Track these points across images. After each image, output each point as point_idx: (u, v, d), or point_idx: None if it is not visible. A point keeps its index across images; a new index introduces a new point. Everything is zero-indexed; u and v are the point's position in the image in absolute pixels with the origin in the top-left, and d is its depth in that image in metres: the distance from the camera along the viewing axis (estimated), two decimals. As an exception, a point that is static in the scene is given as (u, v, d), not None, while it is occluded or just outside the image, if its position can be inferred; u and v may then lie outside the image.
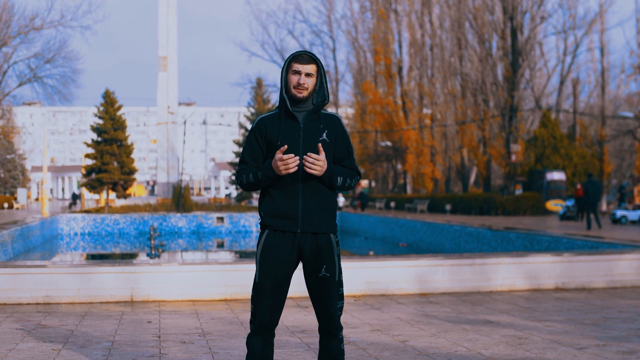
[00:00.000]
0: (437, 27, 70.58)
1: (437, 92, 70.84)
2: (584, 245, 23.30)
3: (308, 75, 6.06)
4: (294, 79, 6.06)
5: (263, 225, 6.19)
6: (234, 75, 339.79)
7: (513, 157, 57.35)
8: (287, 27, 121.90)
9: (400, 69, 74.01)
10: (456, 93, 66.27)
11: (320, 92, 6.18)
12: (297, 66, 6.06)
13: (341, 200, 66.20)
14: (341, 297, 6.23)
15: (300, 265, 6.25)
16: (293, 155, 5.88)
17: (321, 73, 6.15)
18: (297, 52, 6.14)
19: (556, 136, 57.93)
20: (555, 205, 52.20)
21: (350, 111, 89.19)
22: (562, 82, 68.43)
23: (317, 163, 5.88)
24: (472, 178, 76.56)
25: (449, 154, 70.39)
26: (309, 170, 5.89)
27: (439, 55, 69.20)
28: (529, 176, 55.55)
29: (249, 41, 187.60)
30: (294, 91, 6.06)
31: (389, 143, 71.45)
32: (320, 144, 5.96)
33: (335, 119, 6.22)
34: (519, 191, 54.95)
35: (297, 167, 5.91)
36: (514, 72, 58.76)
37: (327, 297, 6.16)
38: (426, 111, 73.39)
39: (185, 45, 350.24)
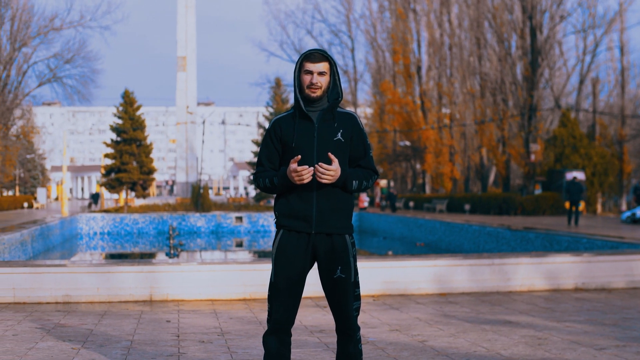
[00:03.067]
0: (456, 27, 70.38)
1: (456, 92, 70.64)
2: (604, 245, 23.20)
3: (321, 74, 6.04)
4: (306, 78, 6.05)
5: (278, 225, 6.20)
6: (252, 75, 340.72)
7: (532, 157, 57.16)
8: (306, 26, 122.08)
9: (419, 69, 73.87)
10: (475, 92, 66.08)
11: (334, 90, 6.16)
12: (309, 65, 6.03)
13: (366, 200, 65.96)
14: (357, 297, 6.23)
15: (316, 265, 6.25)
16: (307, 167, 5.86)
17: (334, 70, 6.12)
18: (308, 50, 6.10)
19: (576, 136, 57.68)
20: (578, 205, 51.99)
21: (369, 111, 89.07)
22: (581, 82, 68.16)
23: (328, 173, 5.87)
24: (491, 178, 76.34)
25: (468, 154, 70.19)
26: (320, 180, 5.89)
27: (458, 55, 69.02)
28: (549, 176, 55.31)
29: (267, 41, 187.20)
30: (307, 91, 6.05)
31: (407, 143, 71.37)
32: (330, 153, 5.94)
33: (350, 117, 6.19)
34: (538, 191, 54.75)
35: (311, 178, 5.91)
36: (533, 72, 58.57)
37: (343, 298, 6.15)
38: (445, 111, 73.22)
39: (204, 45, 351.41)
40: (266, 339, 6.18)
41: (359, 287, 6.23)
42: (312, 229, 6.06)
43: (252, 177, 6.27)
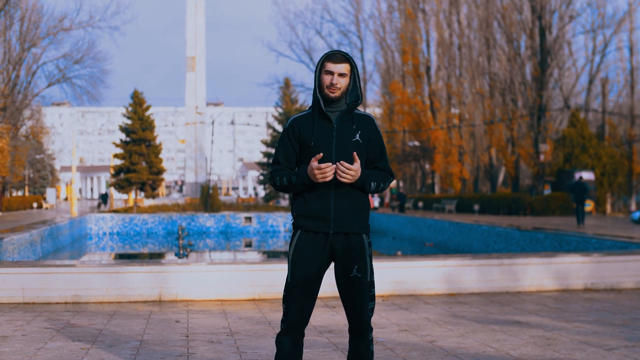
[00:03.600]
0: (465, 27, 70.37)
1: (465, 92, 70.62)
2: (613, 245, 23.17)
3: (341, 75, 6.04)
4: (326, 79, 6.05)
5: (296, 226, 6.20)
6: (261, 75, 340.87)
7: (542, 157, 57.08)
8: (315, 27, 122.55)
9: (428, 69, 73.84)
10: (484, 93, 66.04)
11: (354, 92, 6.16)
12: (330, 66, 6.04)
13: (376, 201, 65.95)
14: (372, 297, 6.24)
15: (331, 265, 6.25)
16: (330, 164, 5.89)
17: (354, 73, 6.12)
18: (330, 51, 6.11)
19: (585, 136, 57.61)
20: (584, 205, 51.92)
21: (378, 111, 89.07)
22: (591, 82, 68.11)
23: (349, 173, 5.89)
24: (501, 178, 76.29)
25: (477, 154, 70.17)
26: (340, 178, 5.91)
27: (467, 55, 68.99)
28: (558, 176, 55.24)
29: (276, 41, 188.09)
30: (326, 91, 6.05)
31: (417, 143, 71.34)
32: (355, 153, 5.96)
33: (368, 119, 6.21)
34: (547, 191, 54.68)
35: (333, 175, 5.92)
36: (543, 72, 58.50)
37: (358, 297, 6.15)
38: (454, 111, 73.17)
39: (213, 46, 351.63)
40: (280, 339, 6.18)
41: (374, 287, 6.24)
42: (330, 229, 6.07)
43: (267, 176, 6.26)
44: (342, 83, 6.05)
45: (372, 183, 6.09)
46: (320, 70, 6.10)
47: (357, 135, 6.09)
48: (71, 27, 72.02)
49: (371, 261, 6.20)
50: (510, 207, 52.57)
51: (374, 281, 6.23)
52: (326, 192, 6.03)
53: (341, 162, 5.90)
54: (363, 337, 6.24)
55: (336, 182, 6.01)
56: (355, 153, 5.95)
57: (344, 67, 6.05)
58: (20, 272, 13.51)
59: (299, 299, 6.13)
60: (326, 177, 5.89)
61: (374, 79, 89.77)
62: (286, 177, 6.10)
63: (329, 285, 6.30)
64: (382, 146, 6.25)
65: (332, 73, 6.03)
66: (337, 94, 6.05)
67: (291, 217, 6.31)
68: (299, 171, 6.07)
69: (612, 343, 9.70)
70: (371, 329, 6.26)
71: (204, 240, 48.54)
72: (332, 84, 6.02)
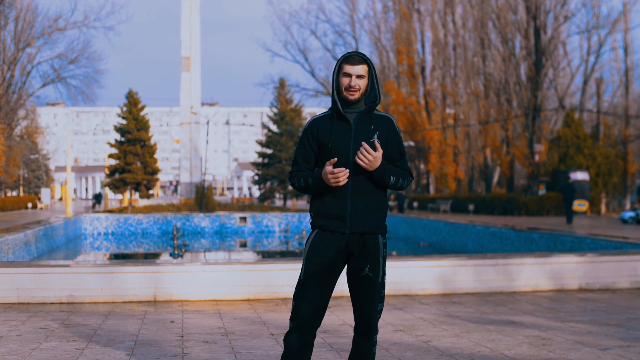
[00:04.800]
0: (460, 27, 70.40)
1: (460, 92, 70.66)
2: (608, 245, 23.19)
3: (359, 77, 6.05)
4: (345, 81, 6.06)
5: (313, 225, 6.23)
6: (256, 75, 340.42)
7: (536, 157, 57.14)
8: (310, 27, 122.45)
9: (423, 69, 73.86)
10: (479, 93, 66.07)
11: (372, 93, 6.17)
12: (347, 68, 6.05)
13: None
14: (382, 299, 6.25)
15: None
16: (344, 168, 5.90)
17: (372, 74, 6.13)
18: (348, 53, 6.14)
19: (580, 136, 57.68)
20: (578, 205, 51.97)
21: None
22: (585, 82, 68.13)
23: (368, 157, 5.88)
24: (495, 178, 76.34)
25: (472, 154, 70.19)
26: (358, 160, 5.90)
27: (462, 55, 69.03)
28: (553, 176, 55.29)
29: (271, 41, 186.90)
30: (345, 93, 6.07)
31: (411, 143, 71.35)
32: (377, 141, 5.98)
33: (387, 120, 6.22)
34: (542, 191, 54.74)
35: (347, 180, 5.94)
36: (537, 72, 58.54)
37: (367, 297, 6.16)
38: (449, 111, 73.21)
39: (208, 46, 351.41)
40: (288, 336, 6.17)
41: (384, 289, 6.25)
42: (347, 228, 6.08)
43: (287, 176, 6.29)
44: (361, 85, 6.07)
45: (392, 177, 6.10)
46: (338, 72, 6.11)
47: (375, 136, 6.10)
48: (66, 27, 71.94)
49: (384, 263, 6.20)
50: (505, 207, 52.61)
51: (385, 283, 6.24)
52: (343, 192, 6.05)
53: (363, 143, 5.90)
54: (368, 337, 6.25)
55: (353, 182, 6.03)
56: (376, 141, 5.97)
57: (361, 69, 6.06)
58: (14, 272, 13.50)
59: (310, 295, 6.11)
60: (339, 182, 5.91)
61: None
62: (303, 178, 6.16)
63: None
64: (402, 147, 6.25)
65: (350, 75, 6.05)
66: (357, 95, 6.07)
67: (309, 217, 6.29)
68: (315, 173, 6.10)
69: (606, 343, 9.71)
70: (376, 331, 6.27)
71: (199, 241, 48.49)
72: (350, 86, 6.04)
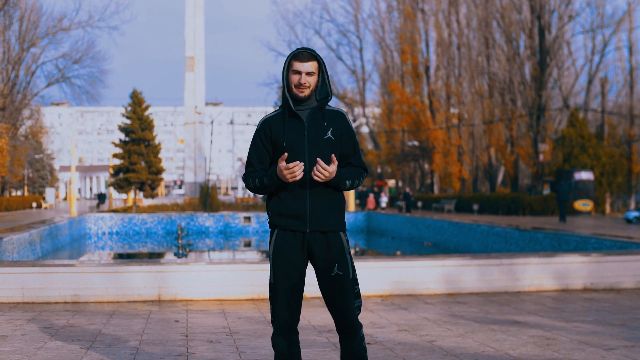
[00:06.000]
0: (464, 27, 70.36)
1: (464, 92, 70.61)
2: (613, 245, 23.16)
3: (309, 74, 6.01)
4: (294, 78, 6.02)
5: (272, 225, 6.20)
6: (260, 75, 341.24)
7: (541, 157, 57.09)
8: (314, 26, 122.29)
9: (427, 69, 73.87)
10: (483, 92, 66.03)
11: (323, 89, 6.15)
12: (297, 65, 6.01)
13: (384, 200, 65.61)
14: (358, 295, 6.20)
15: (312, 266, 6.24)
16: (298, 162, 5.85)
17: (322, 69, 6.10)
18: (297, 49, 6.09)
19: (584, 135, 57.63)
20: (583, 205, 51.94)
21: (377, 111, 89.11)
22: (590, 81, 68.07)
23: (324, 172, 5.85)
24: (500, 178, 76.26)
25: (477, 154, 70.16)
26: (315, 177, 5.86)
27: (466, 55, 69.00)
28: (557, 176, 55.24)
29: (275, 41, 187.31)
30: (295, 91, 6.03)
31: (416, 143, 71.35)
32: (333, 155, 5.91)
33: (339, 115, 6.18)
34: (546, 191, 54.70)
35: (302, 173, 5.89)
36: (542, 72, 58.52)
37: (342, 296, 6.11)
38: (453, 111, 73.18)
39: (212, 45, 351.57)
40: (275, 340, 6.18)
41: (358, 284, 6.21)
42: (307, 227, 6.06)
43: (242, 178, 6.29)
44: (311, 82, 6.03)
45: (347, 181, 6.07)
46: (287, 69, 6.07)
47: (329, 132, 6.08)
48: (70, 26, 72.08)
49: (352, 258, 6.17)
50: (509, 206, 52.57)
51: (357, 278, 6.20)
52: (301, 191, 6.02)
53: (318, 160, 5.86)
54: (353, 335, 6.20)
55: (311, 182, 6.00)
56: (332, 155, 5.91)
57: (311, 66, 6.02)
58: (19, 272, 13.52)
59: (284, 297, 6.11)
60: (295, 176, 5.85)
61: (373, 79, 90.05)
62: (258, 178, 6.10)
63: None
64: (355, 141, 6.22)
65: (299, 72, 6.01)
66: (306, 92, 6.04)
67: (267, 217, 6.26)
68: (269, 172, 6.04)
69: (611, 343, 9.70)
70: (360, 326, 6.22)
71: (203, 240, 48.52)
72: (300, 84, 6.00)
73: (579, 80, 72.86)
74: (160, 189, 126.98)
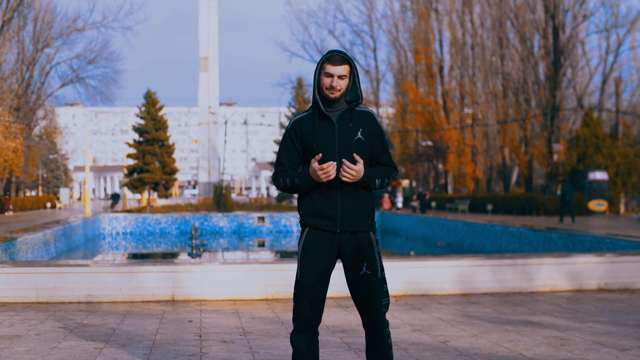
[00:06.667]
0: (478, 26, 70.27)
1: (478, 92, 70.52)
2: (627, 245, 23.08)
3: (341, 77, 6.08)
4: (326, 81, 6.09)
5: (303, 224, 6.25)
6: (274, 75, 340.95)
7: (555, 157, 56.99)
8: (328, 27, 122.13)
9: (441, 69, 73.79)
10: (497, 92, 65.94)
11: (353, 91, 6.22)
12: (329, 68, 6.08)
13: (400, 200, 65.53)
14: (386, 294, 6.28)
15: (341, 265, 6.30)
16: (331, 162, 5.92)
17: (354, 73, 6.16)
18: (329, 52, 6.15)
19: (598, 135, 57.42)
20: (597, 205, 51.79)
21: (391, 111, 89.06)
22: (604, 81, 67.91)
23: (350, 172, 5.94)
24: (514, 178, 76.16)
25: (491, 154, 70.06)
26: (342, 178, 5.95)
27: (480, 55, 68.90)
28: (571, 176, 55.10)
29: (289, 41, 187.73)
30: (326, 92, 6.10)
31: (430, 143, 71.26)
32: (355, 154, 6.00)
33: (369, 116, 6.25)
34: (560, 191, 54.57)
35: (336, 173, 5.96)
36: (556, 71, 58.40)
37: (370, 295, 6.19)
38: (467, 111, 73.12)
39: (226, 46, 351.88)
40: (294, 338, 6.23)
41: (386, 284, 6.29)
42: (337, 227, 6.12)
43: (271, 177, 6.38)
44: (342, 85, 6.10)
45: (377, 180, 6.16)
46: (319, 72, 6.15)
47: (359, 133, 6.15)
48: (84, 27, 72.24)
49: (380, 258, 6.25)
50: (523, 207, 52.46)
51: (385, 278, 6.28)
52: (332, 191, 6.10)
53: (344, 160, 5.95)
54: (378, 333, 6.29)
55: (341, 182, 6.07)
56: (355, 155, 5.99)
57: (343, 69, 6.09)
58: (33, 272, 13.55)
59: (309, 295, 6.16)
60: (329, 175, 5.92)
61: (387, 79, 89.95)
62: (289, 178, 6.16)
63: (341, 285, 6.36)
64: (384, 141, 6.31)
65: (331, 75, 6.08)
66: (337, 95, 6.10)
67: (299, 216, 6.33)
68: (301, 173, 6.11)
69: (625, 343, 9.68)
70: (387, 324, 6.30)
71: (217, 240, 48.54)
72: (332, 87, 6.07)
73: (593, 80, 72.85)
74: (174, 189, 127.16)
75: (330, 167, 5.90)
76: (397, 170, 6.38)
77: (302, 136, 6.20)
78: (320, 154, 5.98)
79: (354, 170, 5.93)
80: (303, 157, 6.25)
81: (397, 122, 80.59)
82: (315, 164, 5.94)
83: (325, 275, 6.18)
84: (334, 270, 6.28)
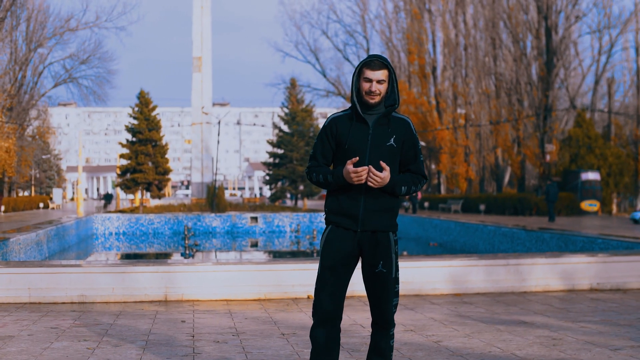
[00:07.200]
0: (471, 27, 70.29)
1: (471, 92, 70.55)
2: (619, 245, 23.13)
3: (379, 82, 6.21)
4: (365, 86, 6.21)
5: (327, 221, 6.44)
6: (267, 75, 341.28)
7: (547, 157, 57.04)
8: (321, 27, 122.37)
9: (434, 69, 73.81)
10: (490, 93, 65.98)
11: (391, 96, 6.34)
12: (368, 73, 6.20)
13: None
14: (397, 294, 6.45)
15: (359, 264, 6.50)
16: (365, 167, 6.07)
17: (392, 78, 6.30)
18: (368, 57, 6.27)
19: (591, 136, 57.52)
20: (589, 205, 51.88)
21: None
22: (597, 82, 68.02)
23: (376, 179, 6.07)
24: (507, 178, 76.19)
25: (483, 154, 70.09)
26: (368, 183, 6.10)
27: (473, 55, 68.92)
28: (564, 176, 55.18)
29: (282, 41, 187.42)
30: (366, 97, 6.22)
31: (422, 143, 71.27)
32: (382, 162, 6.13)
33: (404, 123, 6.39)
34: (545, 191, 54.62)
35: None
36: (549, 72, 58.45)
37: (383, 292, 6.36)
38: (460, 111, 73.12)
39: (220, 46, 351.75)
40: (314, 332, 6.39)
41: (399, 284, 6.45)
42: (358, 227, 6.28)
43: (304, 171, 6.56)
44: (381, 89, 6.23)
45: (403, 187, 6.29)
46: (358, 76, 6.26)
47: (392, 139, 6.28)
48: (77, 27, 72.20)
49: (397, 258, 6.41)
50: (516, 207, 52.54)
51: (398, 278, 6.45)
52: (357, 193, 6.25)
53: (370, 167, 6.08)
54: (385, 331, 6.46)
55: (367, 186, 6.19)
56: (382, 162, 6.13)
57: (382, 74, 6.21)
58: (26, 272, 13.54)
59: (329, 287, 6.33)
60: (362, 179, 6.08)
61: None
62: (322, 174, 6.33)
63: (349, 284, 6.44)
64: (417, 149, 6.42)
65: (370, 80, 6.20)
66: (377, 99, 6.23)
67: (323, 214, 6.49)
68: (335, 171, 6.26)
69: (617, 343, 9.70)
70: (394, 325, 6.47)
71: (210, 240, 48.50)
72: (371, 91, 6.19)
73: (586, 80, 72.93)
74: (167, 190, 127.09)
75: (364, 172, 6.05)
76: (426, 178, 6.50)
77: (337, 134, 6.34)
78: (357, 158, 6.12)
79: (380, 177, 6.07)
80: (335, 156, 6.40)
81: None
82: (350, 166, 6.09)
83: (345, 271, 6.35)
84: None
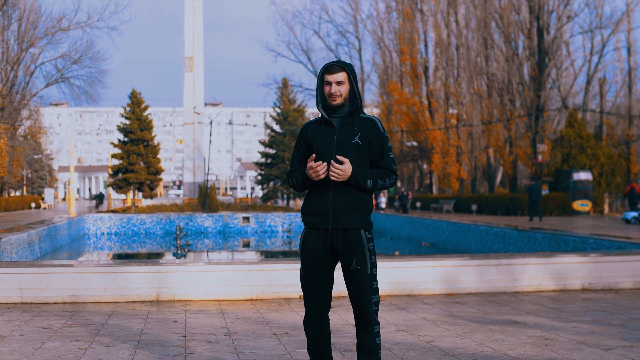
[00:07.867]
0: (463, 27, 70.28)
1: (463, 92, 70.54)
2: (611, 245, 23.17)
3: (339, 83, 6.51)
4: (326, 89, 6.55)
5: (304, 223, 6.71)
6: (259, 75, 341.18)
7: (539, 157, 57.07)
8: (313, 27, 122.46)
9: (426, 69, 73.81)
10: (482, 93, 65.98)
11: (355, 98, 6.60)
12: (327, 77, 6.55)
13: (383, 201, 65.56)
14: (375, 291, 6.59)
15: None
16: (321, 162, 6.33)
17: (352, 80, 6.57)
18: (327, 63, 6.57)
19: (583, 136, 57.55)
20: (581, 205, 51.94)
21: (376, 111, 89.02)
22: (588, 82, 68.07)
23: (336, 171, 6.32)
24: (498, 178, 76.24)
25: (475, 154, 70.09)
26: (330, 176, 6.34)
27: (465, 55, 68.91)
28: (556, 176, 55.21)
29: (274, 41, 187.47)
30: (329, 100, 6.52)
31: (414, 143, 71.32)
32: (339, 156, 6.38)
33: (370, 122, 6.64)
34: (545, 191, 54.67)
35: (326, 173, 6.37)
36: (541, 72, 58.47)
37: (359, 290, 6.52)
38: (452, 111, 73.13)
39: (211, 46, 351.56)
40: (306, 325, 6.78)
41: (376, 281, 6.59)
42: (329, 224, 6.50)
43: (286, 177, 6.88)
44: (342, 90, 6.53)
45: (368, 180, 6.47)
46: (320, 82, 6.58)
47: (357, 137, 6.52)
48: (69, 27, 72.01)
49: (372, 255, 6.55)
50: (508, 207, 52.59)
51: (375, 275, 6.57)
52: (325, 190, 6.48)
53: (331, 161, 6.33)
54: (367, 328, 6.58)
55: (334, 182, 6.42)
56: (338, 156, 6.39)
57: (340, 76, 6.52)
58: (18, 272, 13.51)
59: (310, 287, 6.66)
60: (319, 174, 6.35)
61: (372, 79, 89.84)
62: (295, 177, 6.65)
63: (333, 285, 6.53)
64: (385, 146, 6.61)
65: (330, 83, 6.50)
66: (339, 101, 6.53)
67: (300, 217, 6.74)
68: (301, 171, 6.57)
69: (609, 343, 9.71)
70: (377, 323, 6.59)
71: (202, 240, 48.51)
72: (331, 93, 6.49)
73: (578, 80, 73.01)
74: (159, 190, 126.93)
75: (320, 167, 6.32)
76: (396, 174, 6.69)
77: (307, 138, 6.69)
78: (314, 155, 6.39)
79: (340, 169, 6.28)
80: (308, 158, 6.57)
81: (382, 122, 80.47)
82: (310, 163, 6.34)
83: (323, 269, 6.61)
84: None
